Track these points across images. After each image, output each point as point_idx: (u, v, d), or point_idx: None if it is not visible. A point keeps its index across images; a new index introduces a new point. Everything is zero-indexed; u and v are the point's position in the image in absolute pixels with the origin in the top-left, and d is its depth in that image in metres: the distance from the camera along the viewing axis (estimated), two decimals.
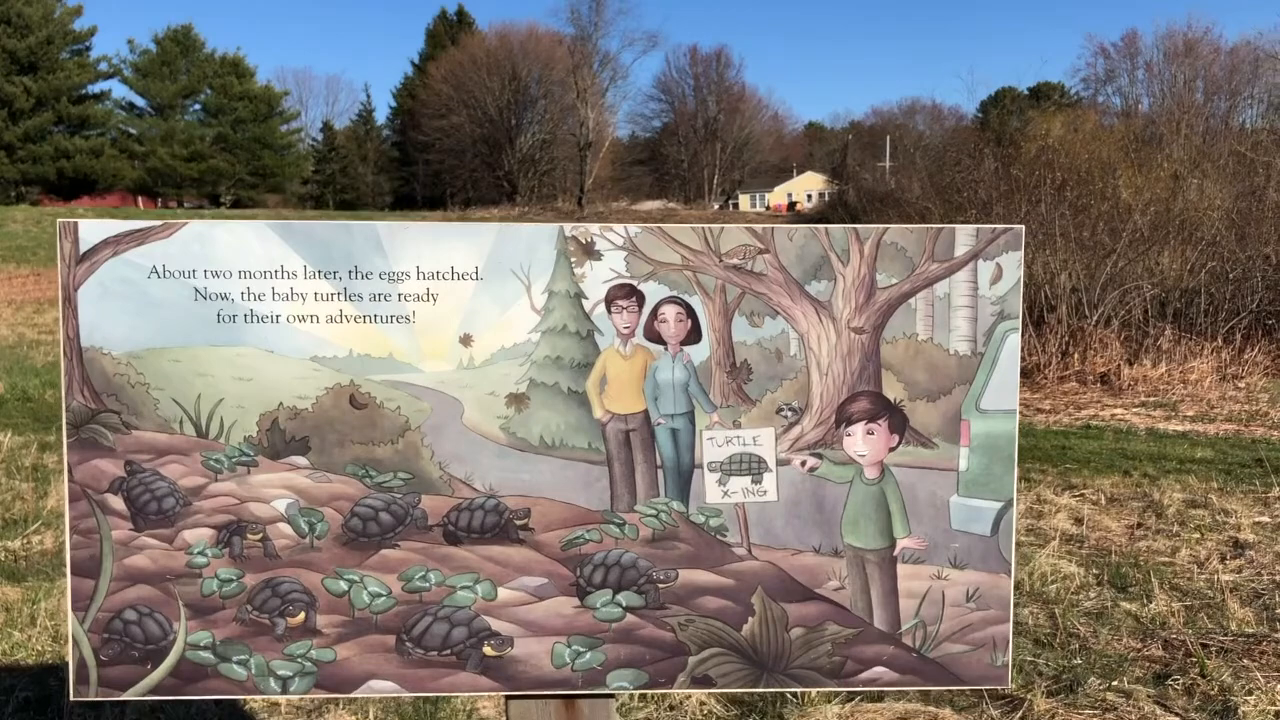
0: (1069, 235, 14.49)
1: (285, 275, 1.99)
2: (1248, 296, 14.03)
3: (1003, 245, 2.05)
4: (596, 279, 2.03)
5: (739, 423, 2.05)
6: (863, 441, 2.05)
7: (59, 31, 62.24)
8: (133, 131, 67.51)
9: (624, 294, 2.03)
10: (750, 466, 2.04)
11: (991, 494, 2.07)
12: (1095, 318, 13.40)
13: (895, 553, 2.06)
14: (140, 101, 69.26)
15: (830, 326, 2.04)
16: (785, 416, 2.04)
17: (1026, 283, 14.13)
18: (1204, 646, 4.32)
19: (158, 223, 2.00)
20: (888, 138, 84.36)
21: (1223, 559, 5.55)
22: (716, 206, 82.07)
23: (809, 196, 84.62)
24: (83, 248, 1.98)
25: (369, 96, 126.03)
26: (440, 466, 2.03)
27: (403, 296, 2.00)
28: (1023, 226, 2.07)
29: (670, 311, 2.03)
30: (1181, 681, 4.01)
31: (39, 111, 60.73)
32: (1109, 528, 6.19)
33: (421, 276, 2.00)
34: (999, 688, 2.15)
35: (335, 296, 2.00)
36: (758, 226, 2.03)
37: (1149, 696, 3.90)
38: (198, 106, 69.57)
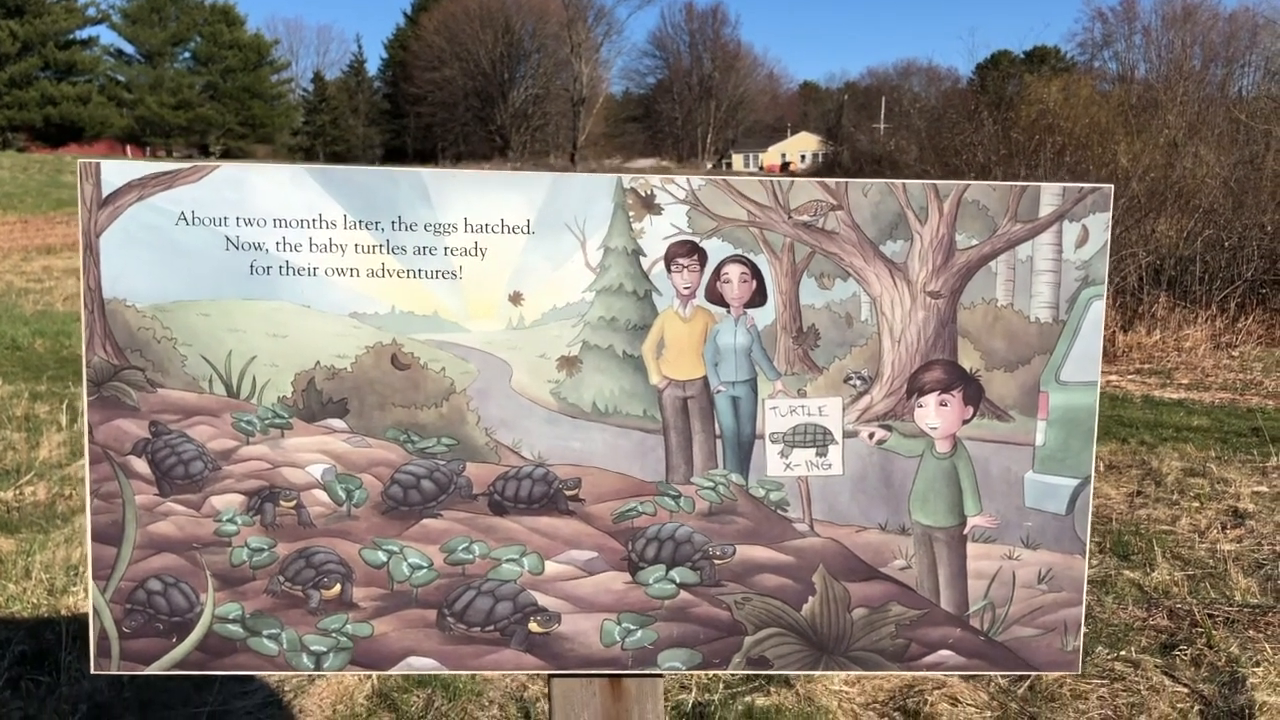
0: None
1: (324, 225, 1.85)
2: (1243, 265, 13.96)
3: (1089, 206, 1.92)
4: (656, 235, 1.89)
5: (804, 391, 1.92)
6: (935, 413, 1.93)
7: None
8: (121, 79, 66.54)
9: (685, 251, 1.89)
10: (815, 438, 1.92)
11: (1068, 470, 1.95)
12: None
13: (965, 531, 1.95)
14: (129, 48, 68.25)
15: (905, 290, 1.91)
16: (854, 385, 1.92)
17: None
18: (1210, 616, 4.27)
19: (187, 165, 1.85)
20: (883, 99, 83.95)
21: (1223, 528, 5.50)
22: (710, 166, 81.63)
23: (803, 157, 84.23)
24: (105, 191, 1.83)
25: (360, 47, 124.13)
26: (486, 432, 1.90)
27: (449, 250, 1.86)
28: (1111, 186, 1.94)
29: (734, 271, 1.90)
30: (1189, 652, 3.96)
31: (25, 56, 59.71)
32: (1109, 495, 6.13)
33: (470, 229, 1.86)
34: (1069, 674, 2.04)
35: (377, 249, 1.86)
36: (830, 181, 1.90)
37: (1156, 666, 3.84)
38: (187, 54, 68.64)
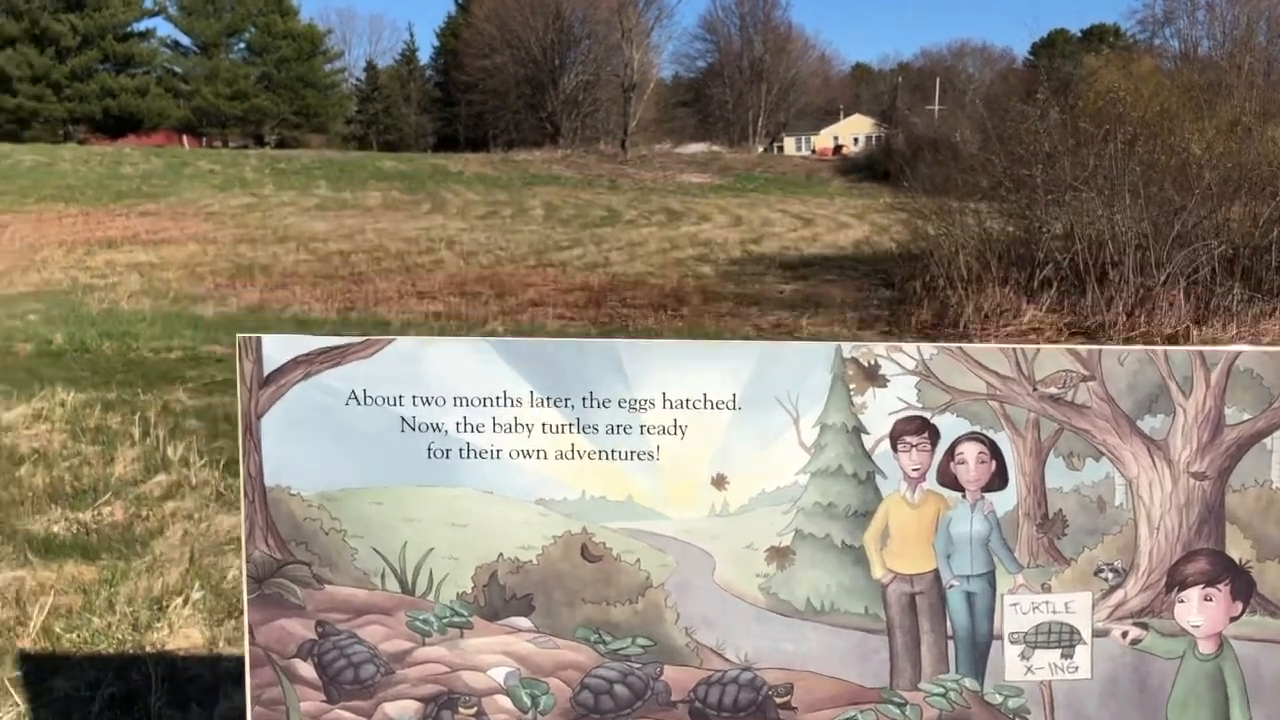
0: (1137, 191, 13.86)
1: (508, 403, 1.65)
2: None
3: None
4: (880, 410, 1.66)
5: (1049, 585, 1.69)
6: (1198, 609, 1.69)
7: None
8: (177, 70, 67.18)
9: (914, 429, 1.66)
10: (1060, 637, 1.69)
11: None
12: (1163, 277, 12.86)
13: None
14: (185, 40, 68.84)
15: (1165, 470, 1.66)
16: (1105, 578, 1.68)
17: (1091, 239, 13.60)
18: None
19: (358, 339, 1.66)
20: (937, 80, 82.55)
21: None
22: (761, 150, 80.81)
23: (855, 140, 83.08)
24: (268, 368, 1.64)
25: (412, 36, 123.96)
26: (686, 632, 1.69)
27: (645, 429, 1.66)
28: None
29: (970, 451, 1.67)
30: None
31: (85, 49, 60.52)
32: None
33: (668, 405, 1.65)
34: None
35: (566, 428, 1.66)
36: (1081, 349, 1.65)
37: None
38: (242, 45, 69.04)
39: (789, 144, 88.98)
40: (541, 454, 1.66)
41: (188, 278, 16.81)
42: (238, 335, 1.67)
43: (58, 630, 3.32)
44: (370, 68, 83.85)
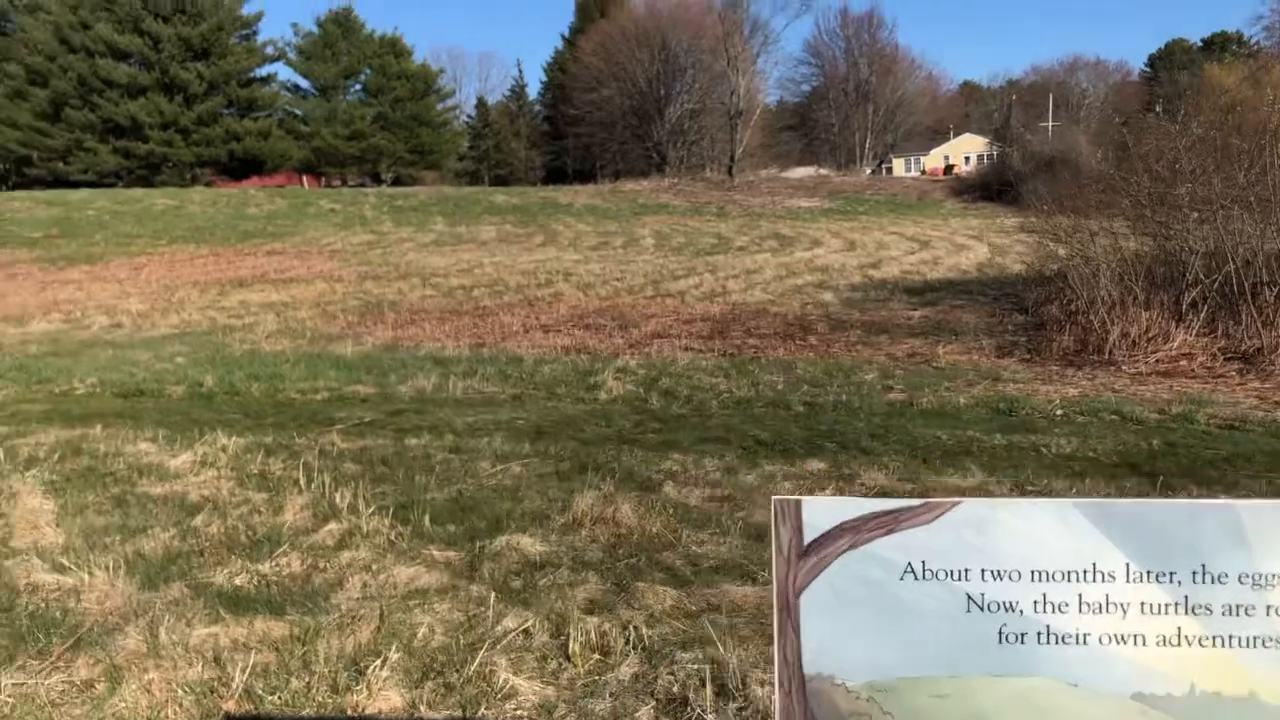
0: None
1: (1099, 577, 1.45)
2: None
3: None
4: None
5: None
6: None
7: (228, 18, 64.57)
8: (298, 112, 69.69)
9: None
10: None
11: None
12: None
13: None
14: (304, 83, 71.45)
15: None
16: None
17: (1241, 258, 12.90)
18: None
19: (915, 502, 1.46)
20: (1050, 96, 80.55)
21: None
22: (869, 172, 79.96)
23: (966, 159, 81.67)
24: (809, 535, 1.47)
25: (521, 72, 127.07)
26: None
27: (1273, 610, 1.44)
28: None
29: None
30: None
31: (211, 96, 63.23)
32: None
33: None
34: None
35: (1171, 608, 1.45)
36: None
37: None
38: (358, 87, 71.30)
39: (898, 165, 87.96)
40: (1140, 639, 1.46)
41: (320, 316, 17.23)
42: (773, 499, 1.49)
43: (259, 691, 3.29)
44: (481, 104, 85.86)
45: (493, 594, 4.03)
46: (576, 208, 48.89)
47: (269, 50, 68.28)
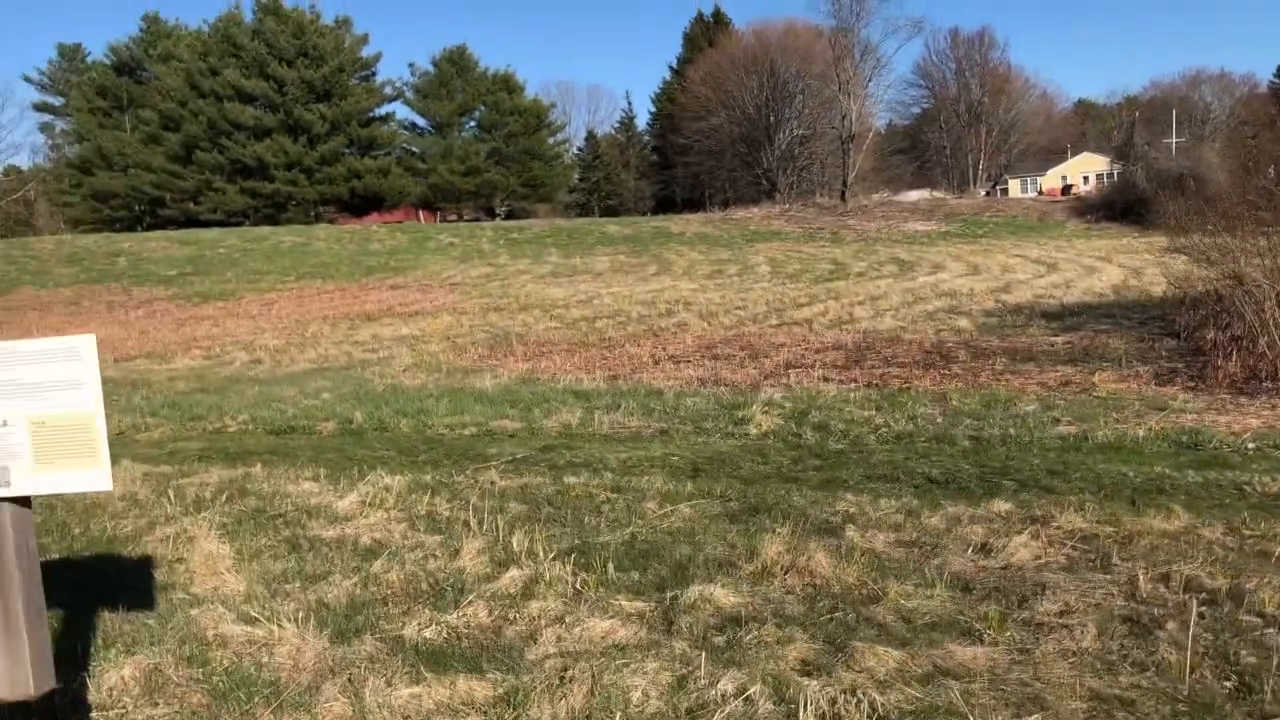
0: None
1: None
2: None
3: None
4: None
5: None
6: None
7: (349, 60, 66.75)
8: (415, 150, 71.55)
9: None
10: None
11: None
12: None
13: None
14: (421, 121, 73.40)
15: None
16: None
17: None
18: None
19: None
20: (1173, 112, 77.67)
21: None
22: (983, 194, 78.28)
23: (1085, 179, 79.38)
24: None
25: (630, 104, 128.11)
26: None
27: None
28: None
29: None
30: None
31: (333, 136, 65.31)
32: None
33: None
34: None
35: None
36: None
37: None
38: (473, 123, 72.89)
39: (1013, 186, 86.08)
40: None
41: (450, 349, 17.37)
42: None
43: None
44: (590, 137, 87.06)
45: (702, 654, 3.77)
46: (688, 236, 48.87)
47: (387, 90, 70.40)
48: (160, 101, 65.74)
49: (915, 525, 5.73)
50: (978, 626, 4.03)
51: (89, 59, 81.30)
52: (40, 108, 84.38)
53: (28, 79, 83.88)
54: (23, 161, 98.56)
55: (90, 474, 2.94)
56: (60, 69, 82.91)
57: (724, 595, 4.42)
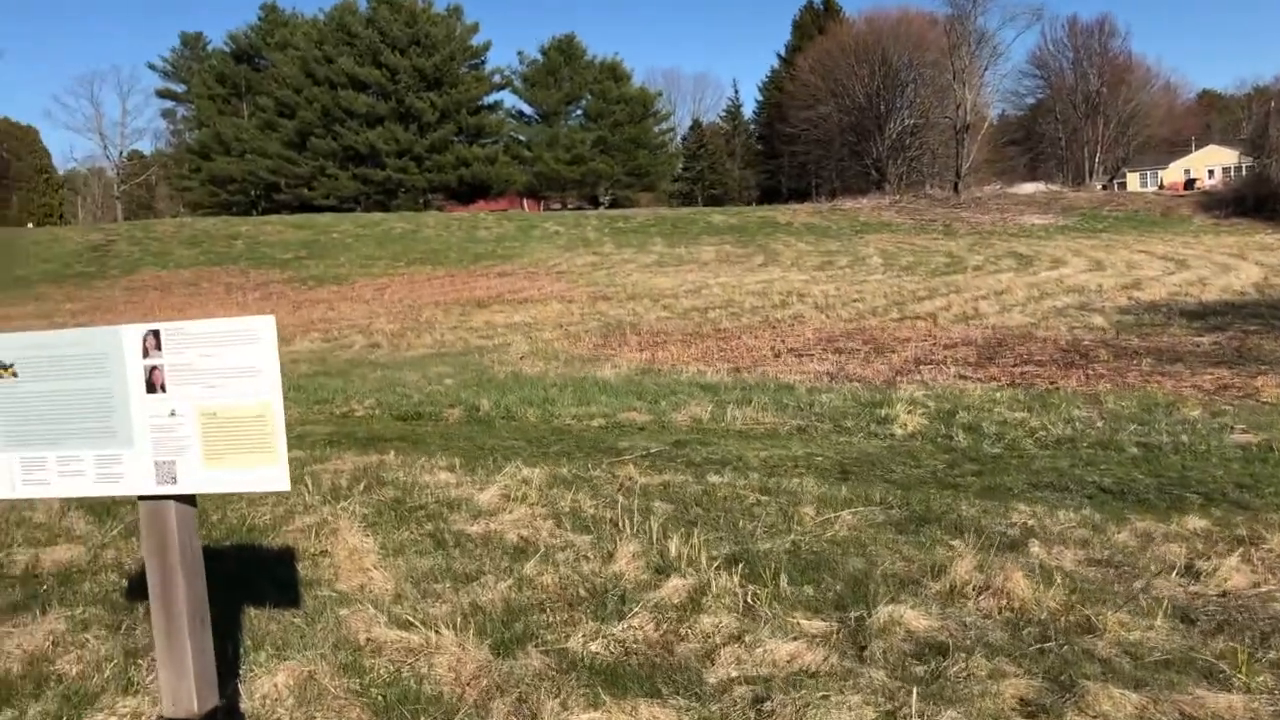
0: None
1: None
2: None
3: None
4: None
5: None
6: None
7: (459, 48, 67.36)
8: (522, 138, 71.87)
9: None
10: None
11: None
12: None
13: None
14: (528, 109, 73.72)
15: None
16: None
17: None
18: None
19: None
20: None
21: None
22: (1100, 187, 75.54)
23: (1210, 173, 75.99)
24: None
25: (737, 92, 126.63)
26: None
27: None
28: None
29: None
30: None
31: (443, 124, 66.02)
32: None
33: None
34: None
35: None
36: None
37: None
38: (579, 112, 72.93)
39: (1132, 180, 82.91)
40: None
41: (564, 337, 17.16)
42: None
43: None
44: (696, 125, 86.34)
45: (910, 689, 3.36)
46: (795, 227, 48.02)
47: (496, 79, 70.85)
48: (276, 89, 67.30)
49: (1103, 542, 5.22)
50: (1221, 667, 3.54)
51: (209, 47, 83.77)
52: (163, 94, 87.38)
53: (152, 67, 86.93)
54: (145, 147, 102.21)
55: (266, 472, 2.66)
56: (182, 57, 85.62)
57: (915, 618, 4.00)
